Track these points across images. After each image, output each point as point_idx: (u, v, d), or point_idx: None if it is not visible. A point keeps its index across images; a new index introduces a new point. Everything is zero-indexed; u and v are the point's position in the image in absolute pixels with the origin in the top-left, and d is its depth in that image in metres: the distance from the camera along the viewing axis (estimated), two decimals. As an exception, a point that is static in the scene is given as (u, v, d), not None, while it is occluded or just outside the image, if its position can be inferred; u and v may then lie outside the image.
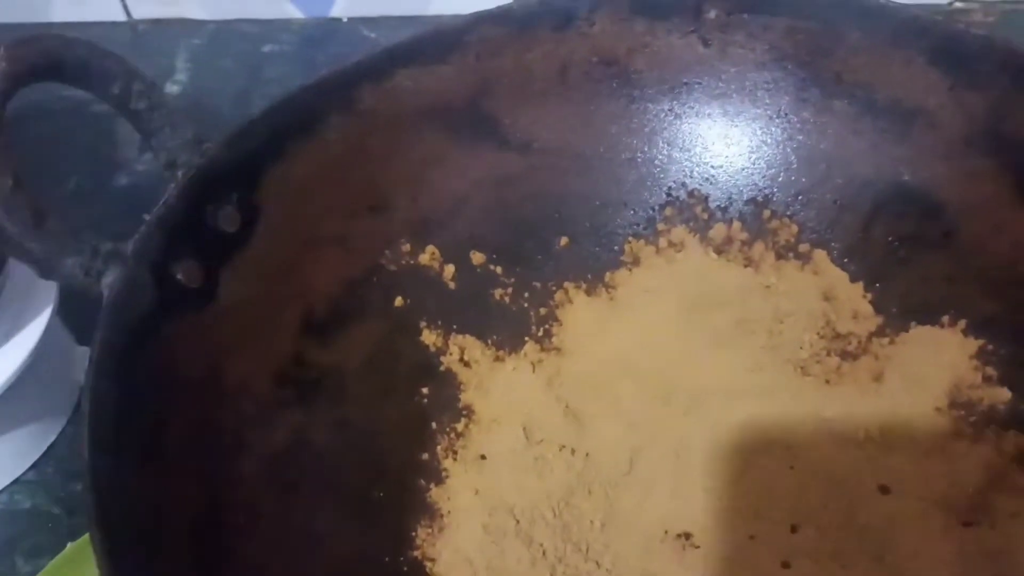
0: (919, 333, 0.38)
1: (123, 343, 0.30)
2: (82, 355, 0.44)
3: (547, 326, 0.41)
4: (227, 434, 0.33)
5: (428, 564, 0.34)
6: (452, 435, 0.38)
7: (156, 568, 0.27)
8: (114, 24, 0.66)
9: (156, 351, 0.31)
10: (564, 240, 0.42)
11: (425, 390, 0.39)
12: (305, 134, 0.38)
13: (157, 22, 0.66)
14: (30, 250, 0.30)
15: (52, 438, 0.43)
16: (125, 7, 0.66)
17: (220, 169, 0.35)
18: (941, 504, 0.34)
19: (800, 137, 0.42)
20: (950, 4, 0.58)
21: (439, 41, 0.41)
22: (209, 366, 0.34)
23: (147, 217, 0.33)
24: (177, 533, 0.29)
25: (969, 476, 0.34)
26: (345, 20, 0.64)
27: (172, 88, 0.61)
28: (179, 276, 0.33)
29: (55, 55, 0.32)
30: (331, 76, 0.39)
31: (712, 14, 0.41)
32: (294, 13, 0.64)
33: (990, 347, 0.37)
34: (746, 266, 0.42)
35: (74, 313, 0.44)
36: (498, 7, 0.41)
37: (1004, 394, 0.36)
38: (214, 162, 0.35)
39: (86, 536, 0.36)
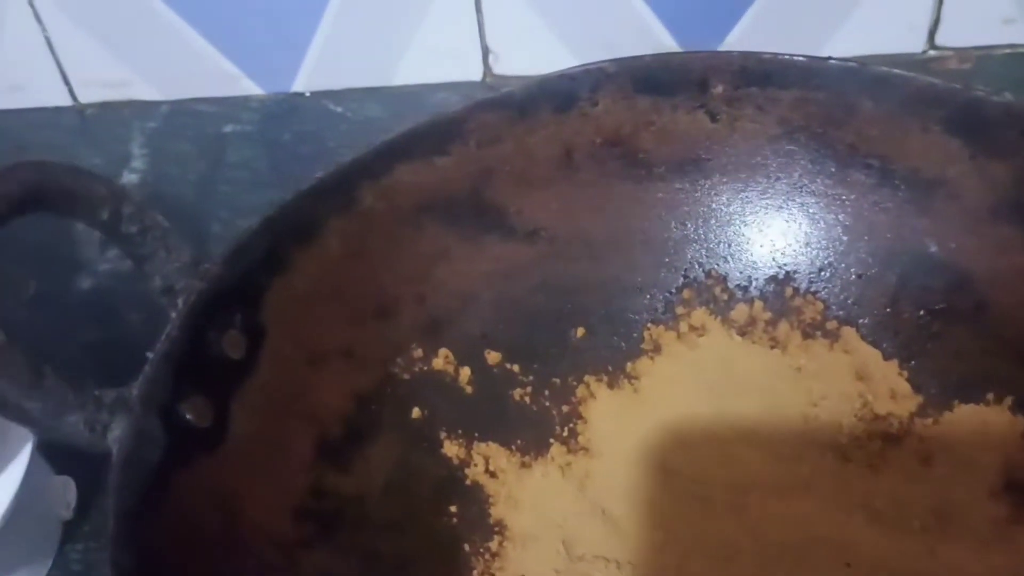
0: (964, 412, 0.37)
1: (137, 506, 0.27)
2: (61, 486, 0.41)
3: (571, 425, 0.39)
4: (253, 586, 0.30)
5: None
6: (487, 556, 0.35)
7: None
8: (59, 109, 0.63)
9: (171, 507, 0.28)
10: (580, 331, 0.40)
11: (453, 508, 0.36)
12: (305, 242, 0.36)
13: (106, 105, 0.62)
14: (28, 411, 0.27)
15: (37, 585, 0.39)
16: (70, 90, 0.62)
17: (221, 290, 0.33)
18: (1015, 601, 0.32)
19: (817, 211, 0.40)
20: (924, 52, 0.58)
21: (437, 131, 0.39)
22: (225, 512, 0.30)
23: (150, 355, 0.30)
24: None
25: (1040, 568, 0.33)
26: (308, 95, 0.61)
27: (130, 177, 0.57)
28: (188, 416, 0.30)
29: (36, 187, 0.29)
30: (328, 178, 0.37)
31: (719, 89, 0.40)
32: (253, 89, 0.61)
33: (1042, 426, 0.36)
34: (772, 347, 0.40)
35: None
36: (499, 93, 0.39)
37: (1065, 476, 0.35)
38: (215, 283, 0.32)
39: None
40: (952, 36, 0.57)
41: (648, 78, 0.40)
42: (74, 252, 0.53)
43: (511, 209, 0.40)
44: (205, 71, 0.60)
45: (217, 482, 0.31)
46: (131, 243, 0.32)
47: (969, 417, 0.37)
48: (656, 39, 0.56)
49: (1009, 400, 0.36)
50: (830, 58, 0.39)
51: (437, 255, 0.39)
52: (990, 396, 0.37)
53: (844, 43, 0.56)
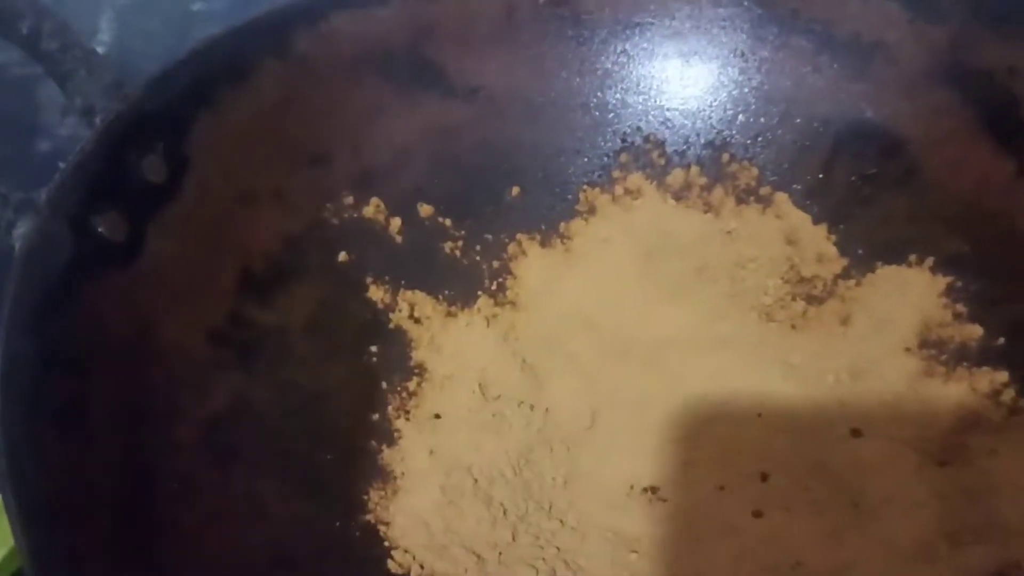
0: (886, 273, 0.37)
1: (39, 299, 0.28)
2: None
3: (501, 279, 0.39)
4: (159, 398, 0.30)
5: (382, 528, 0.32)
6: (404, 394, 0.36)
7: (79, 540, 0.24)
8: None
9: (77, 308, 0.29)
10: (516, 190, 0.40)
11: (374, 348, 0.37)
12: (236, 80, 0.36)
13: (78, -21, 0.62)
14: (-70, 199, 0.27)
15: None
16: (43, -34, 0.62)
17: (143, 115, 0.33)
18: (914, 445, 0.32)
19: (758, 77, 0.40)
20: None
21: (377, -19, 0.39)
22: (137, 326, 0.31)
23: (63, 165, 0.30)
24: (103, 503, 0.26)
25: (942, 416, 0.33)
26: None
27: (98, 48, 0.57)
28: (100, 229, 0.31)
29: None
30: (263, 18, 0.37)
31: (663, -50, 0.40)
32: None
33: (959, 284, 0.36)
34: (706, 212, 0.40)
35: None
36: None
37: (975, 331, 0.35)
38: (136, 108, 0.33)
39: None
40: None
41: (593, -63, 0.39)
42: (35, 117, 0.54)
43: (450, 67, 0.40)
44: (175, -52, 0.59)
45: (130, 296, 0.31)
46: (52, 60, 0.32)
47: (890, 278, 0.37)
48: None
49: (930, 261, 0.36)
50: (775, -81, 0.38)
51: (374, 108, 0.39)
52: (912, 257, 0.37)
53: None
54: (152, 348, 0.31)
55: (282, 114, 0.37)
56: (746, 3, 0.39)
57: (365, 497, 0.33)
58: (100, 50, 0.57)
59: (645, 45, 0.41)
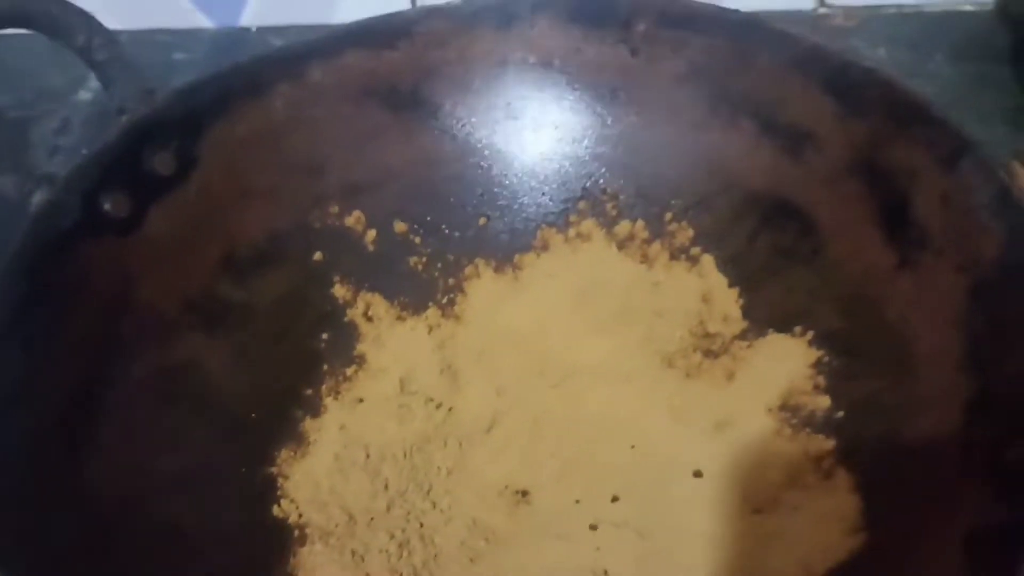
0: (773, 340, 0.40)
1: (39, 249, 0.36)
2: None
3: (452, 295, 0.45)
4: (125, 341, 0.38)
5: (280, 480, 0.38)
6: (340, 378, 0.42)
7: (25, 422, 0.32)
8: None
9: (70, 261, 0.37)
10: (483, 220, 0.46)
11: (325, 336, 0.43)
12: (252, 97, 0.43)
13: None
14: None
15: None
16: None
17: (163, 118, 0.41)
18: (741, 492, 0.36)
19: (708, 149, 0.44)
20: (815, 10, 0.60)
21: (390, 28, 0.45)
22: (121, 284, 0.39)
23: (85, 152, 0.39)
24: (50, 406, 0.34)
25: (774, 471, 0.37)
26: (254, 30, 0.65)
27: (85, 95, 0.61)
28: (107, 206, 0.39)
29: (25, 7, 0.38)
30: (284, 49, 0.45)
31: (641, 27, 0.44)
32: (204, 23, 0.65)
33: (826, 359, 0.39)
34: (641, 262, 0.45)
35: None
36: (449, 4, 0.45)
37: (825, 402, 0.38)
38: (158, 111, 0.41)
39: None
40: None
41: (581, 9, 0.45)
42: (26, 157, 0.54)
43: (445, 106, 0.46)
44: (163, 4, 0.64)
45: (120, 260, 0.39)
46: (100, 68, 0.40)
47: (776, 344, 0.40)
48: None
49: (811, 334, 0.40)
50: (737, 11, 0.43)
51: (372, 133, 0.46)
52: (798, 329, 0.40)
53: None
54: (129, 302, 0.39)
55: (288, 129, 0.44)
56: (704, 83, 0.44)
57: (276, 454, 0.39)
58: (89, 96, 0.61)
59: (616, 109, 0.45)
